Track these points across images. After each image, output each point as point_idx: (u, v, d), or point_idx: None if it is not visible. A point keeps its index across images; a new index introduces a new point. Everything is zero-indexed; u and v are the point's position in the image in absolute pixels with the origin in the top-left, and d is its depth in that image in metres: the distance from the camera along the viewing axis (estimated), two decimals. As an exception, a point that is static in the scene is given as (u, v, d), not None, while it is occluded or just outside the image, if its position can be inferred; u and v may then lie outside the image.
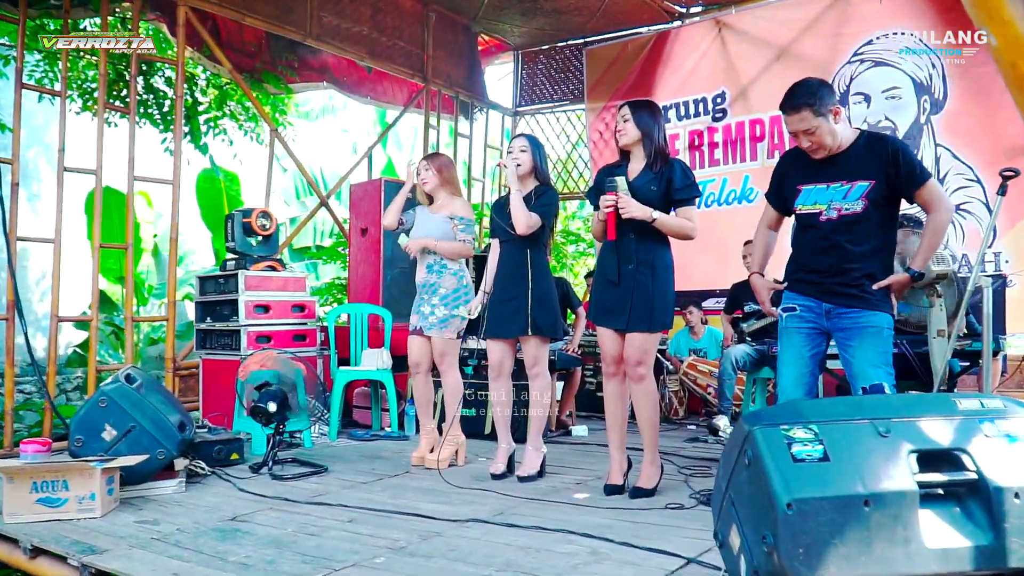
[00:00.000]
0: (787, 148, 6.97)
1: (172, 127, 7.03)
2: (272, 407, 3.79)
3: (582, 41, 8.14)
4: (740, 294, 5.55)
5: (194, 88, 6.96)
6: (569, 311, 5.70)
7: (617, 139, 3.42)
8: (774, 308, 3.10)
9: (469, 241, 4.15)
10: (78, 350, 8.40)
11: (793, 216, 3.01)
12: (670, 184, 3.27)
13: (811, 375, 2.88)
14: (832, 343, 2.95)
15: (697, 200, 3.34)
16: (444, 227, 4.11)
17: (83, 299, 8.48)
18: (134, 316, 5.28)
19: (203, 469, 3.95)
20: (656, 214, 3.22)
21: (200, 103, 7.12)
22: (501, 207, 3.84)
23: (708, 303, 7.07)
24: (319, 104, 12.16)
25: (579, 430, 5.28)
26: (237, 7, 5.82)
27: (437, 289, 4.08)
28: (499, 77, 9.32)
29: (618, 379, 3.43)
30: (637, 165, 3.39)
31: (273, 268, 5.38)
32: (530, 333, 3.73)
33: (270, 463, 3.94)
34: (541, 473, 3.81)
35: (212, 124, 7.18)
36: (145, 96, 6.93)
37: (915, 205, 2.91)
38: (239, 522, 3.03)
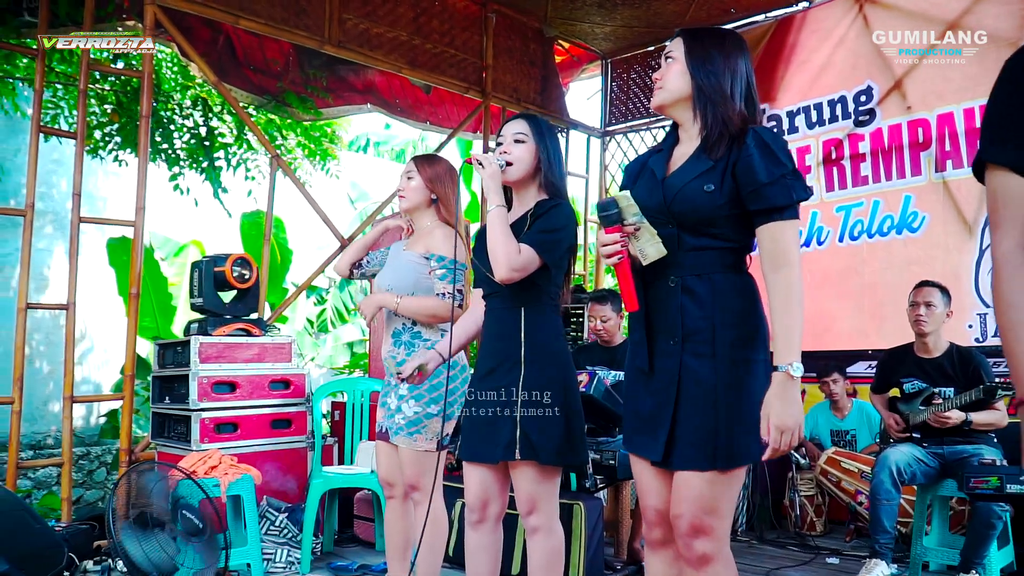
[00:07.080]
0: (962, 147, 5.14)
1: (182, 162, 6.01)
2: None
3: (682, 40, 6.54)
4: (896, 366, 3.75)
5: (209, 115, 5.91)
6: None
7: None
8: None
9: (451, 294, 2.63)
10: (109, 421, 7.48)
11: None
12: (748, 174, 1.68)
13: None
14: None
15: (797, 206, 1.70)
16: (415, 273, 2.63)
17: (119, 363, 7.63)
18: (73, 396, 4.04)
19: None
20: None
21: (217, 131, 6.03)
22: (484, 239, 2.31)
23: (856, 368, 5.25)
24: (402, 143, 11.08)
25: (659, 568, 3.56)
26: (227, 7, 4.66)
27: (407, 373, 2.59)
28: (588, 95, 7.83)
29: (672, 553, 1.80)
30: (686, 147, 1.83)
31: (247, 332, 4.09)
32: (518, 457, 2.12)
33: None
34: None
35: (230, 157, 6.06)
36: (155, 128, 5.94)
37: None
38: None
